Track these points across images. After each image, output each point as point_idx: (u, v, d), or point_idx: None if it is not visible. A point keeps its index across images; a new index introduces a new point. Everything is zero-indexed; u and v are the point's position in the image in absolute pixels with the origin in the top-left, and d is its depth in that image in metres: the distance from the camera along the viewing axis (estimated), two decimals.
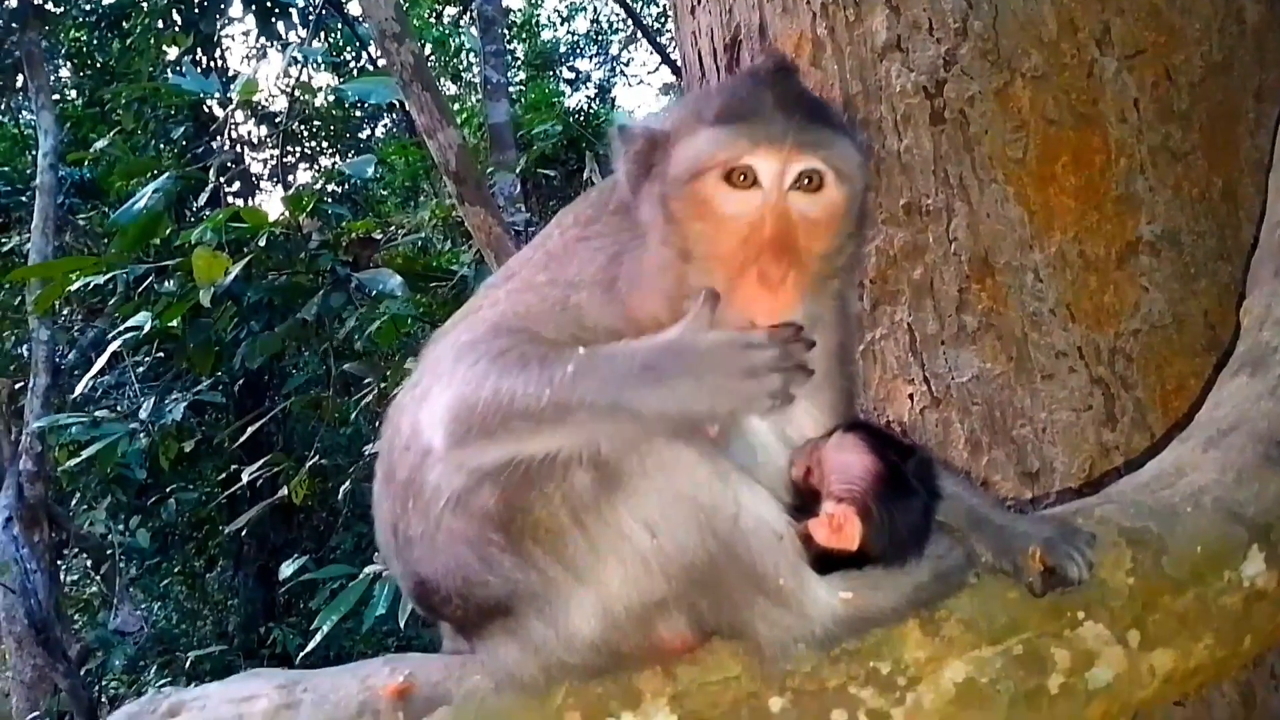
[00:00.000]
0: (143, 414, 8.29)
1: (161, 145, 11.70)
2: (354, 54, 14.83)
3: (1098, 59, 3.02)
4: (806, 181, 1.81)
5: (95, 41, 13.27)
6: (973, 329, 3.06)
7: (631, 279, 1.87)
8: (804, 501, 1.82)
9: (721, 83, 1.98)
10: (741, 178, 1.80)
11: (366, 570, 6.67)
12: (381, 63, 8.14)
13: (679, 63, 4.23)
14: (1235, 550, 1.81)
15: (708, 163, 1.81)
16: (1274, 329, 2.10)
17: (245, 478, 7.75)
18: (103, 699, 11.05)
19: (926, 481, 1.81)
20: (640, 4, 17.96)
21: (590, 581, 1.71)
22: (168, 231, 8.02)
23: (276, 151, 11.63)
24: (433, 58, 17.28)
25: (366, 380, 8.23)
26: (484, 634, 1.84)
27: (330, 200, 10.16)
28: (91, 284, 7.71)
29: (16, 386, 11.00)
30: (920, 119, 3.10)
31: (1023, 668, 1.74)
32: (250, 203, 11.46)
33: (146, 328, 7.20)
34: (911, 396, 3.15)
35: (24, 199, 11.61)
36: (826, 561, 1.75)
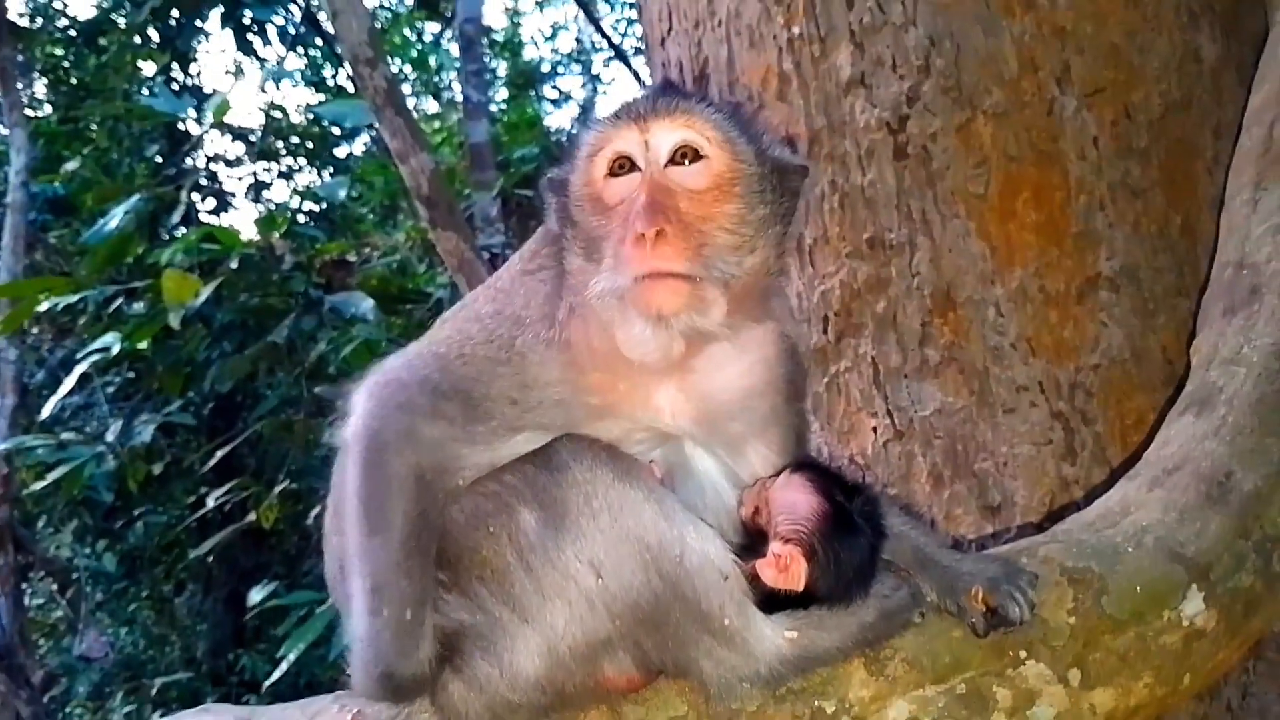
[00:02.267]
0: (111, 435, 8.20)
1: (135, 163, 11.63)
2: (333, 72, 14.84)
3: (1058, 97, 3.08)
4: (685, 158, 1.84)
5: (70, 58, 13.21)
6: (935, 362, 3.08)
7: (568, 308, 1.90)
8: (753, 541, 1.83)
9: None
10: (620, 166, 1.86)
11: None
12: None
13: None
14: (1175, 590, 1.83)
15: (585, 155, 1.87)
16: (1221, 368, 2.14)
17: (212, 502, 7.68)
18: None
19: (873, 520, 1.82)
20: (624, 24, 18.08)
21: (535, 621, 1.71)
22: (139, 251, 7.99)
23: (251, 169, 11.58)
24: (412, 76, 17.28)
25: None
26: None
27: (306, 220, 10.15)
28: (61, 304, 7.65)
29: None
30: (883, 154, 3.14)
31: (966, 706, 1.75)
32: (224, 221, 11.39)
33: (115, 349, 7.14)
34: (875, 429, 3.16)
35: None
36: (773, 600, 1.75)
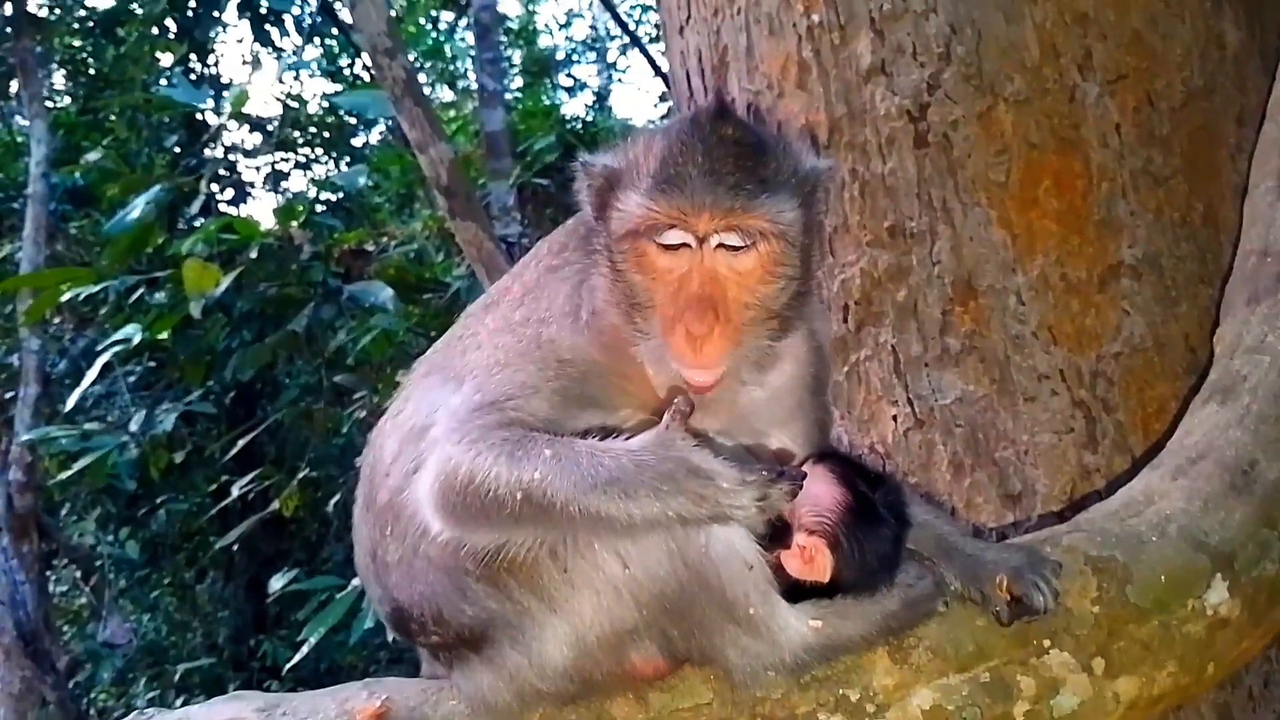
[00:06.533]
0: (134, 425, 8.29)
1: (155, 153, 11.70)
2: (349, 61, 14.86)
3: (1080, 84, 3.06)
4: (735, 245, 1.84)
5: (89, 49, 13.29)
6: (956, 351, 3.08)
7: (592, 306, 1.93)
8: (778, 531, 1.84)
9: (666, 128, 1.98)
10: (672, 244, 1.84)
11: (355, 582, 6.68)
12: None
13: (670, 79, 4.27)
14: (1199, 578, 1.84)
15: (637, 227, 1.86)
16: (1244, 357, 2.13)
17: (236, 491, 7.75)
18: (91, 711, 11.00)
19: (896, 510, 1.83)
20: (639, 10, 18.01)
21: (563, 611, 1.74)
22: (159, 241, 8.06)
23: (270, 159, 11.63)
24: (428, 64, 17.29)
25: (358, 392, 8.26)
26: (460, 660, 1.86)
27: (323, 209, 10.20)
28: (83, 294, 7.73)
29: (6, 396, 10.95)
30: (904, 142, 3.13)
31: (989, 695, 1.76)
32: (243, 210, 11.45)
33: (137, 339, 7.22)
34: (895, 418, 3.16)
35: (15, 207, 11.59)
36: (798, 590, 1.77)
